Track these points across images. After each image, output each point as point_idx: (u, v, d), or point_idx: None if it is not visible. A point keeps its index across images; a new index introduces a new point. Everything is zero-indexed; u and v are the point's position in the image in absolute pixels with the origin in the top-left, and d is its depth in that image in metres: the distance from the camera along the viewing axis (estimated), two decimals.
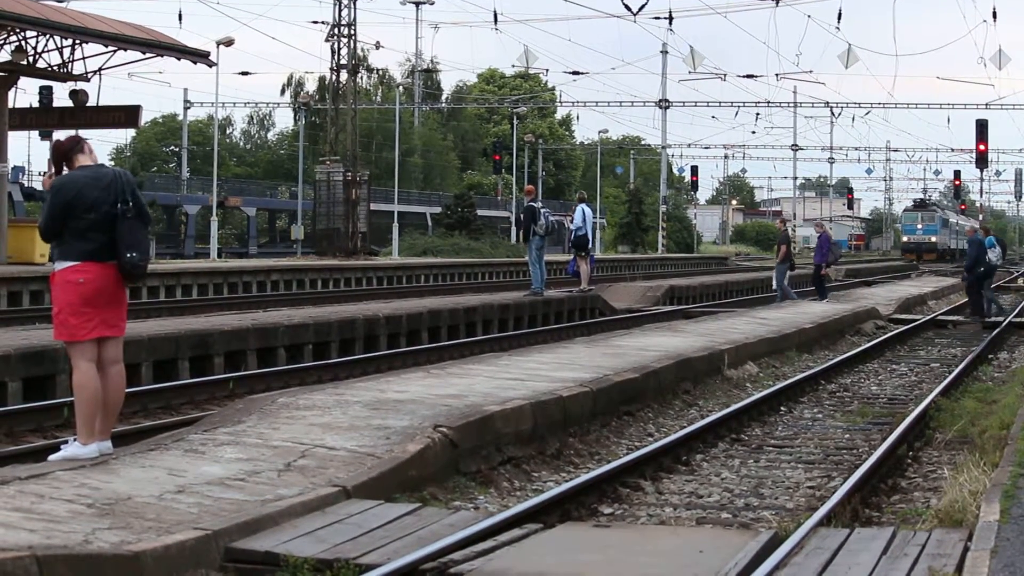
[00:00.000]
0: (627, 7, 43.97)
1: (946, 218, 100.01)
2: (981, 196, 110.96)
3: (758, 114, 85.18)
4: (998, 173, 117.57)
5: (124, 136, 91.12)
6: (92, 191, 8.39)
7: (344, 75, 51.24)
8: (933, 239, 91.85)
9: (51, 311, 8.70)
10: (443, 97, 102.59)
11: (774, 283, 30.72)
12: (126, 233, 8.44)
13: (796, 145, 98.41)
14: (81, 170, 8.54)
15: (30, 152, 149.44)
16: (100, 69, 32.09)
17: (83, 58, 31.73)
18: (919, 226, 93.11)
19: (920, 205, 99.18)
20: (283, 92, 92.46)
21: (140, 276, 8.70)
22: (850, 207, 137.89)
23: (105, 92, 34.26)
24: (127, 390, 9.23)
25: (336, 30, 50.43)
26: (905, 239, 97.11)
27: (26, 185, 60.35)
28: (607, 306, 29.90)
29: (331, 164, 50.20)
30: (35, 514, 6.69)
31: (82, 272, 8.39)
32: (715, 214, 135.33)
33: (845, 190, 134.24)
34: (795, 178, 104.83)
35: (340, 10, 50.17)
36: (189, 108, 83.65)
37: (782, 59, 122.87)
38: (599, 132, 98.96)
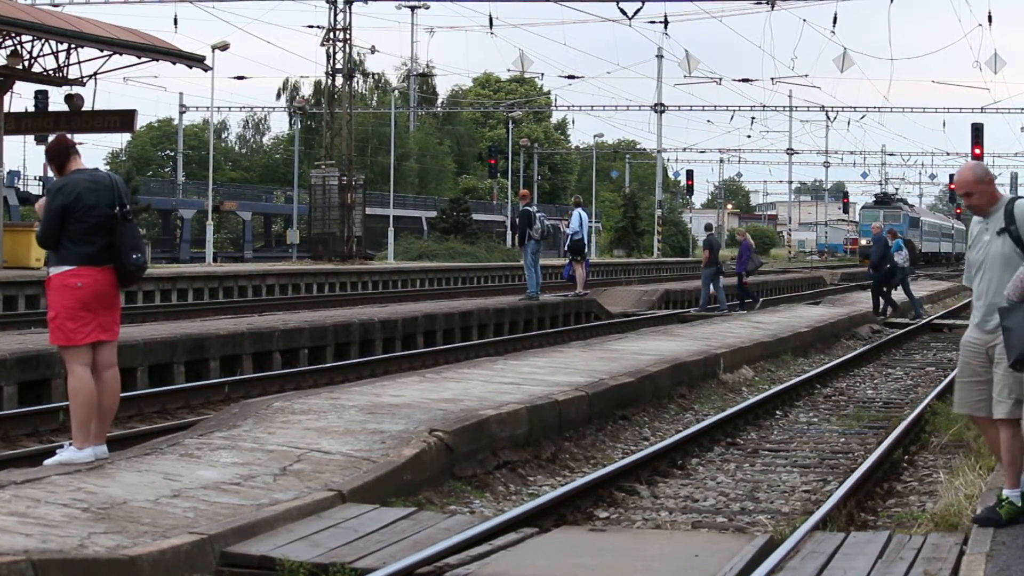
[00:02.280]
0: (622, 11, 43.95)
1: (916, 217, 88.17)
2: None
3: (753, 118, 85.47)
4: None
5: (120, 140, 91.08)
6: (91, 194, 8.40)
7: (339, 79, 51.25)
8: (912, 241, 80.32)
9: (46, 315, 8.68)
10: (438, 101, 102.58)
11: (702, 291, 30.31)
12: (128, 236, 8.47)
13: (791, 149, 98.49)
14: (78, 173, 8.55)
15: (25, 156, 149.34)
16: (96, 73, 32.08)
17: (79, 62, 31.72)
18: (875, 223, 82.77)
19: (882, 201, 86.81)
20: (279, 96, 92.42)
21: (140, 278, 8.77)
22: (846, 211, 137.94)
23: (100, 96, 34.40)
24: (122, 395, 9.23)
25: (331, 35, 50.43)
26: (864, 242, 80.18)
27: (21, 189, 60.32)
28: (603, 310, 29.93)
29: (326, 168, 50.19)
30: (31, 518, 6.69)
31: (79, 276, 8.39)
32: (711, 218, 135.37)
33: (841, 194, 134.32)
34: (790, 182, 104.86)
35: (335, 15, 50.17)
36: (184, 112, 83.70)
37: (777, 63, 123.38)
38: (594, 136, 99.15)
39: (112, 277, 8.52)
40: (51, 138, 8.75)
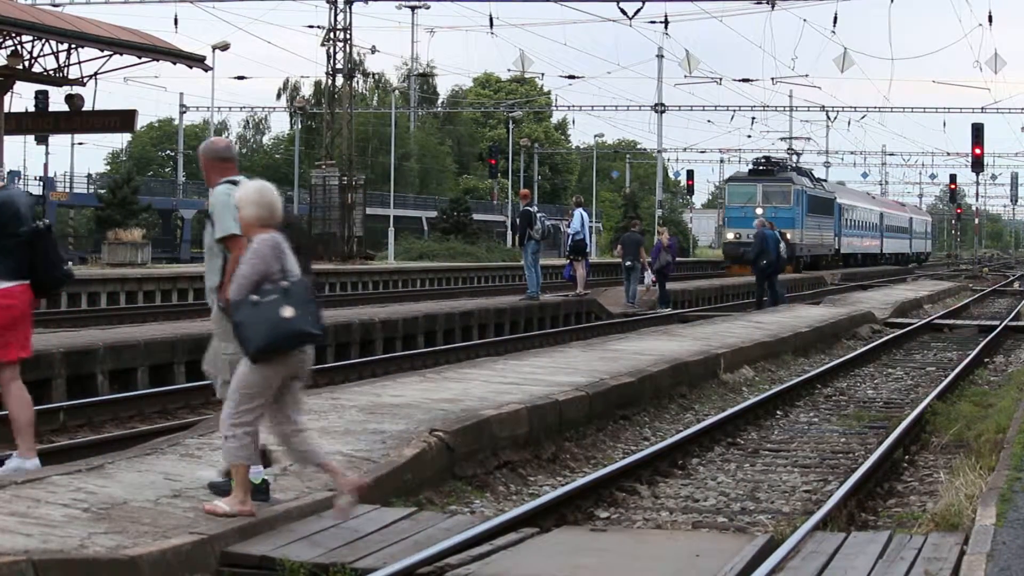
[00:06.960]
0: (623, 11, 43.94)
1: (828, 198, 61.24)
2: (977, 200, 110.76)
3: (754, 118, 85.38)
4: (994, 177, 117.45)
5: (120, 140, 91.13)
6: (25, 208, 8.48)
7: (340, 79, 51.26)
8: (786, 234, 48.36)
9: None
10: (439, 101, 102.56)
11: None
12: (54, 247, 8.52)
13: (792, 149, 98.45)
14: (10, 188, 8.63)
15: (25, 156, 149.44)
16: (96, 73, 32.06)
17: (79, 62, 31.70)
18: (757, 210, 49.72)
19: (761, 171, 55.40)
20: (279, 96, 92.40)
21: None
22: None
23: (101, 96, 34.43)
24: (124, 395, 9.23)
25: (332, 35, 50.44)
26: (730, 235, 53.58)
27: (22, 190, 60.28)
28: (603, 310, 29.91)
29: (327, 168, 50.20)
30: (31, 518, 6.69)
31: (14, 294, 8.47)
32: (711, 218, 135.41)
33: None
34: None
35: (336, 15, 50.18)
36: (185, 112, 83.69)
37: (778, 63, 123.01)
38: (595, 136, 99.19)
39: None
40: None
